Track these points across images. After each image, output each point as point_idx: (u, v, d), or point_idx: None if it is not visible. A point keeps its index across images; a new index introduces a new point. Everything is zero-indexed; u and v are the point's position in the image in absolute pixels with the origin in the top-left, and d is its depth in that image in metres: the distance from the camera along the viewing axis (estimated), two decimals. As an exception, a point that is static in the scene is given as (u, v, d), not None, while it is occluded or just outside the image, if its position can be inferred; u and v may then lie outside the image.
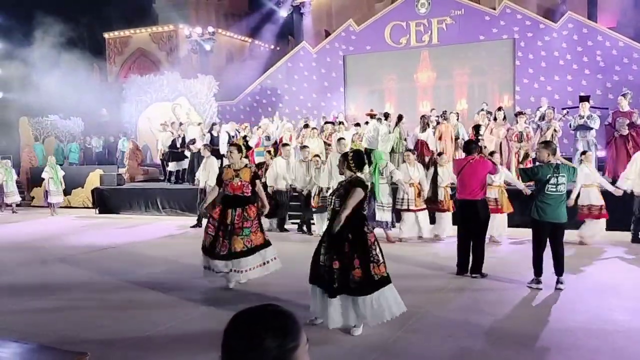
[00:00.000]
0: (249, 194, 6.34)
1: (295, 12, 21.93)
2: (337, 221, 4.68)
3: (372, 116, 13.25)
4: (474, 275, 6.69)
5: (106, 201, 15.00)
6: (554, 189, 6.03)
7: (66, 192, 15.65)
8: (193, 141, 14.17)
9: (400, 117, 11.95)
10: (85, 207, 15.87)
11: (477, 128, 10.65)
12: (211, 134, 14.15)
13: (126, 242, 10.10)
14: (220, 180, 6.45)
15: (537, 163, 6.50)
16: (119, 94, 20.45)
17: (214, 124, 14.87)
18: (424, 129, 12.11)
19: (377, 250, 4.71)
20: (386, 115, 12.37)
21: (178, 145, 14.73)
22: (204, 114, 19.48)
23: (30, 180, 17.59)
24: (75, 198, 16.27)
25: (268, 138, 14.31)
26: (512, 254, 8.12)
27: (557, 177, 6.02)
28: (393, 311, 4.70)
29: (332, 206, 4.90)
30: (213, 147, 12.66)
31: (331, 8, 22.60)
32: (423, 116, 12.68)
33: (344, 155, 5.01)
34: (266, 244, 6.35)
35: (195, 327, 5.10)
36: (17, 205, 16.04)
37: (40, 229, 12.27)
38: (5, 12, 23.35)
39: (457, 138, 12.18)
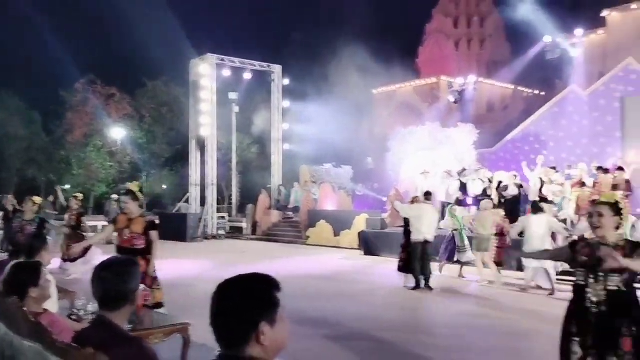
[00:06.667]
0: (141, 246, 5.79)
1: (563, 54, 20.76)
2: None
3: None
4: None
5: (370, 244, 16.04)
6: None
7: (335, 234, 17.19)
8: (505, 188, 14.30)
9: None
10: (351, 249, 17.20)
11: None
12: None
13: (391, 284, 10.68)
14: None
15: None
16: (383, 144, 21.95)
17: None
18: None
19: None
20: None
21: (489, 193, 14.28)
22: (463, 162, 19.56)
23: (308, 222, 19.79)
24: (343, 239, 17.80)
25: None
26: None
27: None
28: None
29: (602, 284, 3.47)
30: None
31: (606, 47, 20.80)
32: None
33: (615, 205, 3.74)
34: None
35: None
36: None
37: (317, 266, 13.70)
38: (292, 75, 27.37)
39: None
